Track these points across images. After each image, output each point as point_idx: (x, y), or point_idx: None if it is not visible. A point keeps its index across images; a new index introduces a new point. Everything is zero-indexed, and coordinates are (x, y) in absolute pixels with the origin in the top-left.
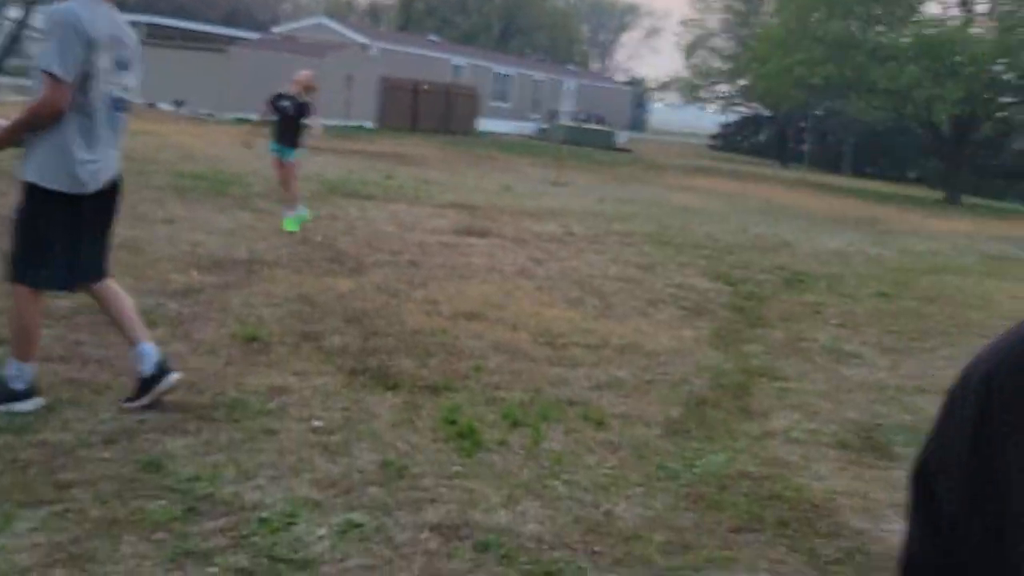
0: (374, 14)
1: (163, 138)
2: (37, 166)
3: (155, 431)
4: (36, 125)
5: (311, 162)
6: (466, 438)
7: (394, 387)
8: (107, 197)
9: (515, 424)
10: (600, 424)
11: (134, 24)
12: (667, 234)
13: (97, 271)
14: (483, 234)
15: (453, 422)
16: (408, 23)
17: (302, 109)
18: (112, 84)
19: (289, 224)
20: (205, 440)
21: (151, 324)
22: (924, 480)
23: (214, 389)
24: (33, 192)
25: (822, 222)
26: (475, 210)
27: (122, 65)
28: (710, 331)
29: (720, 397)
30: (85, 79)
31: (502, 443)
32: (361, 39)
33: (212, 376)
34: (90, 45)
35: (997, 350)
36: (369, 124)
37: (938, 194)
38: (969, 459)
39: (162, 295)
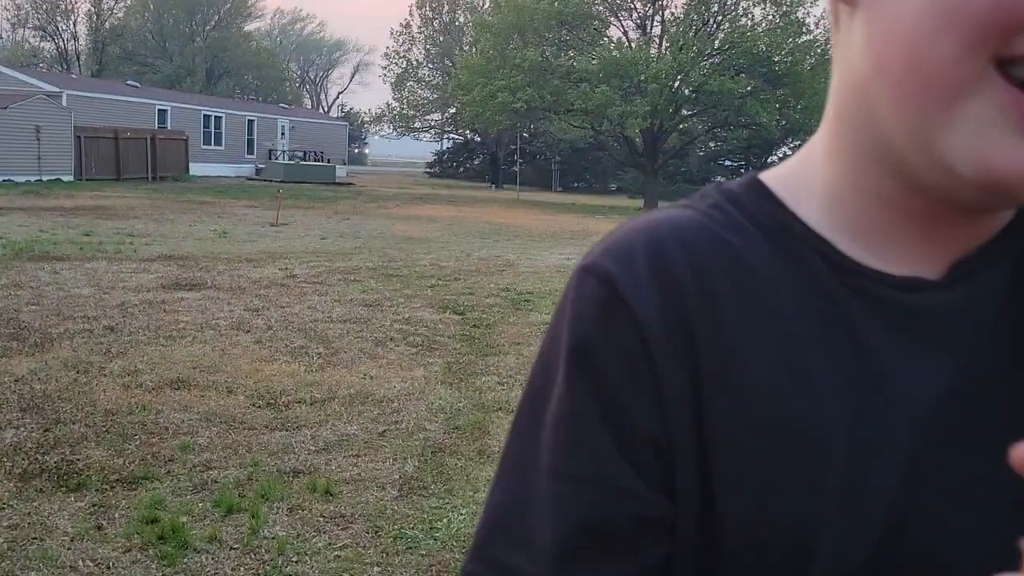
0: (63, 62)
1: None
2: None
3: None
4: None
5: None
6: (168, 540)
7: (79, 487)
8: None
9: (229, 511)
10: (329, 494)
11: None
12: (392, 267)
13: None
14: (195, 286)
15: (153, 521)
16: (103, 70)
17: None
18: None
19: None
20: None
21: None
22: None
23: None
24: None
25: (540, 239)
26: (186, 261)
27: None
28: (442, 367)
29: (457, 441)
30: None
31: (213, 539)
32: (49, 87)
33: None
34: None
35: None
36: (67, 177)
37: (638, 202)
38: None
39: None
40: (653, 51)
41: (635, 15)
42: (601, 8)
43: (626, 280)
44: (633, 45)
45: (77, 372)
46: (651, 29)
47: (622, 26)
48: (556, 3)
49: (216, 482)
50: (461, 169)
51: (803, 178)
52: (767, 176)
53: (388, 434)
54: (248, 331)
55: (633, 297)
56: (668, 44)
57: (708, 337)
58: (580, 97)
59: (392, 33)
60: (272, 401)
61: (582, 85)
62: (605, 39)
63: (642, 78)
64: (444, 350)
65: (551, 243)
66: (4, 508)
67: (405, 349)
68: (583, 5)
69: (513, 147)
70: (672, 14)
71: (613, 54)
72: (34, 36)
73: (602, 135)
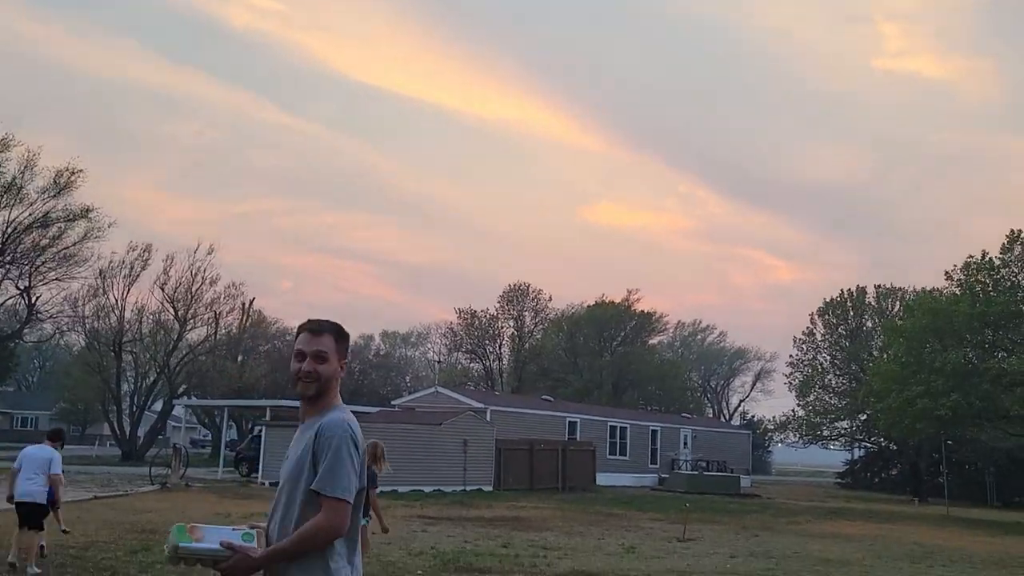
0: (488, 380)
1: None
2: None
3: None
4: (304, 552)
5: (427, 533)
6: None
7: None
8: None
9: None
10: None
11: (259, 408)
12: None
13: None
14: None
15: None
16: (521, 386)
17: (370, 479)
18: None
19: None
20: None
21: None
22: None
23: None
24: None
25: (983, 566)
26: None
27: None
28: None
29: None
30: (358, 495)
31: None
32: (476, 404)
33: None
34: (362, 455)
35: None
36: (487, 487)
37: None
38: None
39: None
40: None
41: None
42: None
43: None
44: None
45: None
46: None
47: None
48: (977, 305)
49: None
50: (876, 480)
51: None
52: None
53: None
54: None
55: None
56: None
57: None
58: (1018, 402)
59: (795, 342)
60: None
61: (1017, 389)
62: None
63: None
64: None
65: (997, 571)
66: None
67: None
68: (1010, 304)
69: (936, 456)
70: None
71: None
72: (465, 358)
73: None
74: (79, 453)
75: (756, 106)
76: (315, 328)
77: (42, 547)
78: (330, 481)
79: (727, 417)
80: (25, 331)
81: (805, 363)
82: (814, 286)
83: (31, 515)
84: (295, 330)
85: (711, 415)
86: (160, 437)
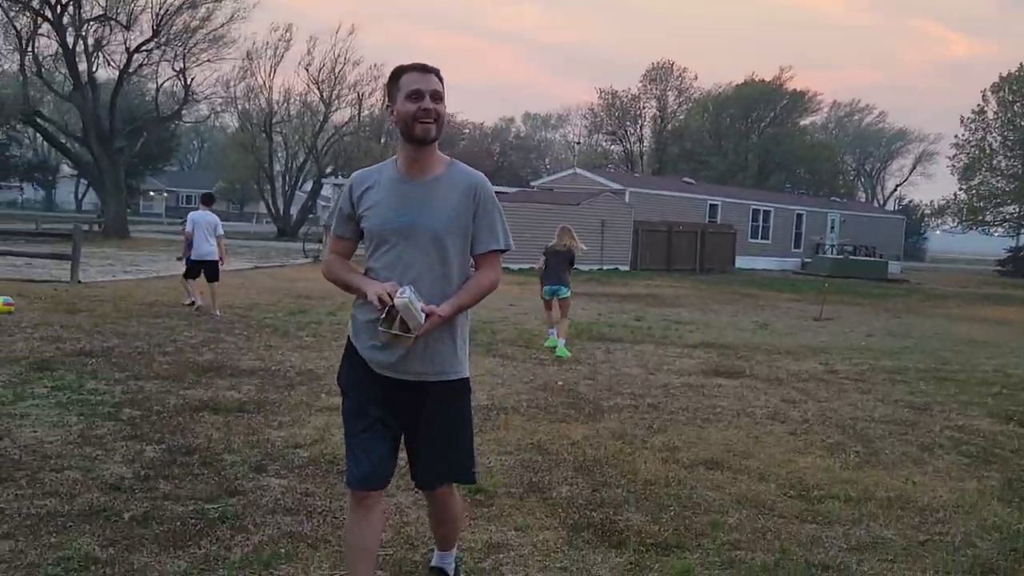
0: (628, 162)
1: None
2: (464, 356)
3: None
4: (472, 305)
5: None
6: None
7: (620, 544)
8: None
9: None
10: None
11: None
12: (946, 369)
13: None
14: (733, 374)
15: None
16: (662, 168)
17: (571, 257)
18: None
19: (562, 351)
20: None
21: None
22: None
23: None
24: (469, 387)
25: None
26: (726, 349)
27: None
28: (1000, 482)
29: (1015, 566)
30: None
31: None
32: (615, 186)
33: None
34: None
35: None
36: (624, 267)
37: None
38: None
39: None
40: None
41: None
42: None
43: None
44: None
45: (622, 442)
46: None
47: None
48: None
49: (743, 563)
50: None
51: None
52: None
53: (930, 544)
54: (783, 422)
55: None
56: None
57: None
58: None
59: (963, 121)
60: (804, 493)
61: None
62: None
63: None
64: (1004, 464)
65: None
66: (558, 552)
67: (956, 458)
68: None
69: None
70: None
71: None
72: (606, 140)
73: None
74: (239, 229)
75: None
76: (424, 67)
77: (193, 302)
78: (500, 237)
79: (881, 202)
80: (183, 112)
81: (972, 144)
82: (990, 61)
83: (211, 270)
84: (390, 73)
85: (864, 200)
86: (311, 216)
